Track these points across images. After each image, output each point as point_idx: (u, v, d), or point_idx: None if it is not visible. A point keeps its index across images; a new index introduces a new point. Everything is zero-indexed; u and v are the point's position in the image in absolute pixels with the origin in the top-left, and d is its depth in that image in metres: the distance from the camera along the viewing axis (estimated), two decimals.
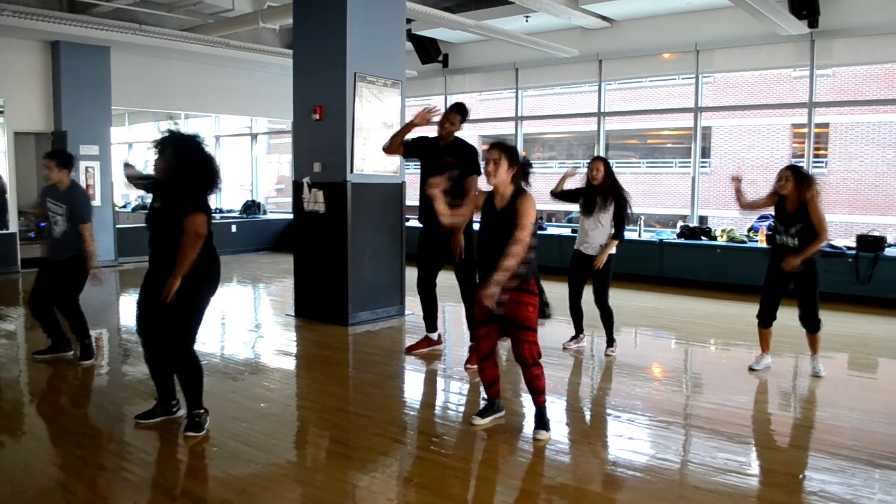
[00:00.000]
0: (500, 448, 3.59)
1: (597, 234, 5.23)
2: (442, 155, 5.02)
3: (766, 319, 4.94)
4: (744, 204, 5.01)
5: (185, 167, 3.46)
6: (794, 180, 4.70)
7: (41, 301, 4.92)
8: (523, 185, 3.59)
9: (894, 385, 5.12)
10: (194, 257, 3.39)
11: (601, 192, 5.21)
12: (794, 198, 4.72)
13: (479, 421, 3.78)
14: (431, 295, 5.34)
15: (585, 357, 5.38)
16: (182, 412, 3.74)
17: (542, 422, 3.63)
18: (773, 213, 4.96)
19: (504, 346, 4.19)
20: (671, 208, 16.75)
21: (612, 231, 5.22)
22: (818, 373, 4.81)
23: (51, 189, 4.86)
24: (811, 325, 4.81)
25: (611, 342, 5.39)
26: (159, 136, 3.53)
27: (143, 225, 3.70)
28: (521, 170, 3.57)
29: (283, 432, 3.76)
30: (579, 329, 5.55)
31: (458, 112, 5.06)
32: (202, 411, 3.62)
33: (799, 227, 4.69)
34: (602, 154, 10.69)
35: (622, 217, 5.21)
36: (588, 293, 5.34)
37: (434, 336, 5.44)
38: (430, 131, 5.31)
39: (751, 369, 4.95)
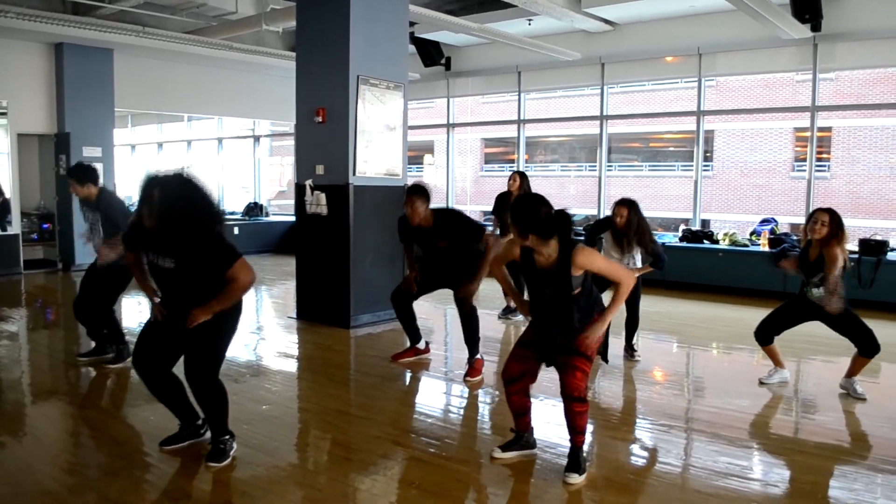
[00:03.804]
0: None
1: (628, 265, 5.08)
2: (435, 241, 4.78)
3: (763, 338, 4.68)
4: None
5: (181, 213, 2.98)
6: (830, 226, 4.21)
7: (83, 304, 5.05)
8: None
9: None
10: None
11: (626, 235, 5.04)
12: (821, 245, 4.27)
13: (498, 454, 3.39)
14: (408, 307, 5.07)
15: None
16: (209, 434, 3.46)
17: (575, 463, 3.19)
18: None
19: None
20: (673, 212, 16.72)
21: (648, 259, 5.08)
22: (858, 395, 4.45)
23: (83, 201, 4.96)
24: (871, 351, 4.37)
25: (630, 348, 5.33)
26: (142, 185, 3.03)
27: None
28: (564, 220, 3.04)
29: (285, 434, 3.76)
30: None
31: (413, 194, 4.67)
32: (227, 437, 3.35)
33: (820, 276, 4.28)
34: (604, 157, 10.72)
35: (652, 251, 5.02)
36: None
37: (421, 345, 5.29)
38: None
39: (761, 383, 4.72)
